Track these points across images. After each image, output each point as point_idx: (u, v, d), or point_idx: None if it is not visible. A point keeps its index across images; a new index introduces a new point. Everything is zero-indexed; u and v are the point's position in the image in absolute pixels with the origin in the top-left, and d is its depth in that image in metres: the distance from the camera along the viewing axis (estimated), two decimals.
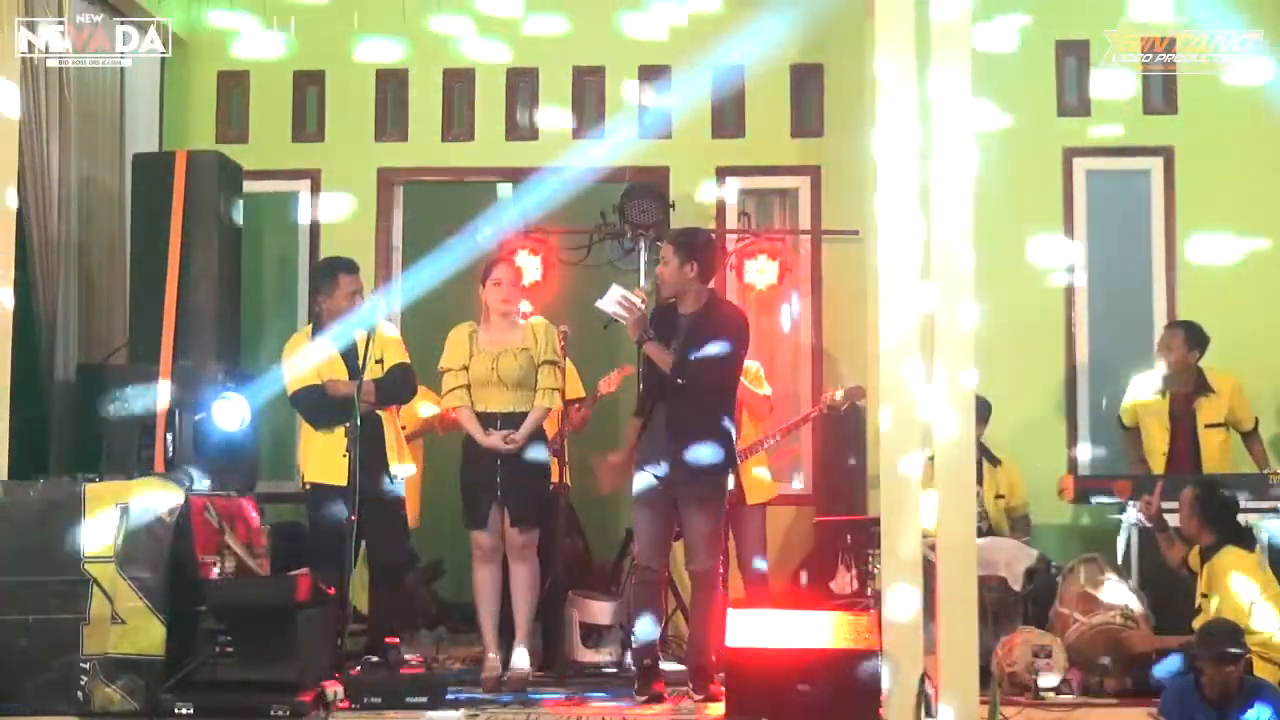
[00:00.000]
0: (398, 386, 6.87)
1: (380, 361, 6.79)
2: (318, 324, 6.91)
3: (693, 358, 6.35)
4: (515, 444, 6.62)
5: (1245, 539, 6.43)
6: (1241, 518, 6.72)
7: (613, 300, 6.43)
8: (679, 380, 6.35)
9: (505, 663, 6.71)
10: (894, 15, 5.89)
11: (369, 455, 6.64)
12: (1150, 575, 6.90)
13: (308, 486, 6.83)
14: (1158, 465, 7.59)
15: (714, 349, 6.40)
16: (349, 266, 6.95)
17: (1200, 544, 6.41)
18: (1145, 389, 7.75)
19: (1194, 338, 7.58)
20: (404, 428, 7.17)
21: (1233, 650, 5.44)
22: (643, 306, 6.43)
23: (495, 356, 6.71)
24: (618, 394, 7.63)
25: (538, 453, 6.80)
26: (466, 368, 6.73)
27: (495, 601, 6.73)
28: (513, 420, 6.68)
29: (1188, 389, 7.63)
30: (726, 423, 6.52)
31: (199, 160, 7.37)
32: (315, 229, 8.68)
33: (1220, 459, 7.58)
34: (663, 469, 6.39)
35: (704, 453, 6.38)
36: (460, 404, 6.74)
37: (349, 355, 6.77)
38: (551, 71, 8.68)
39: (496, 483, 6.61)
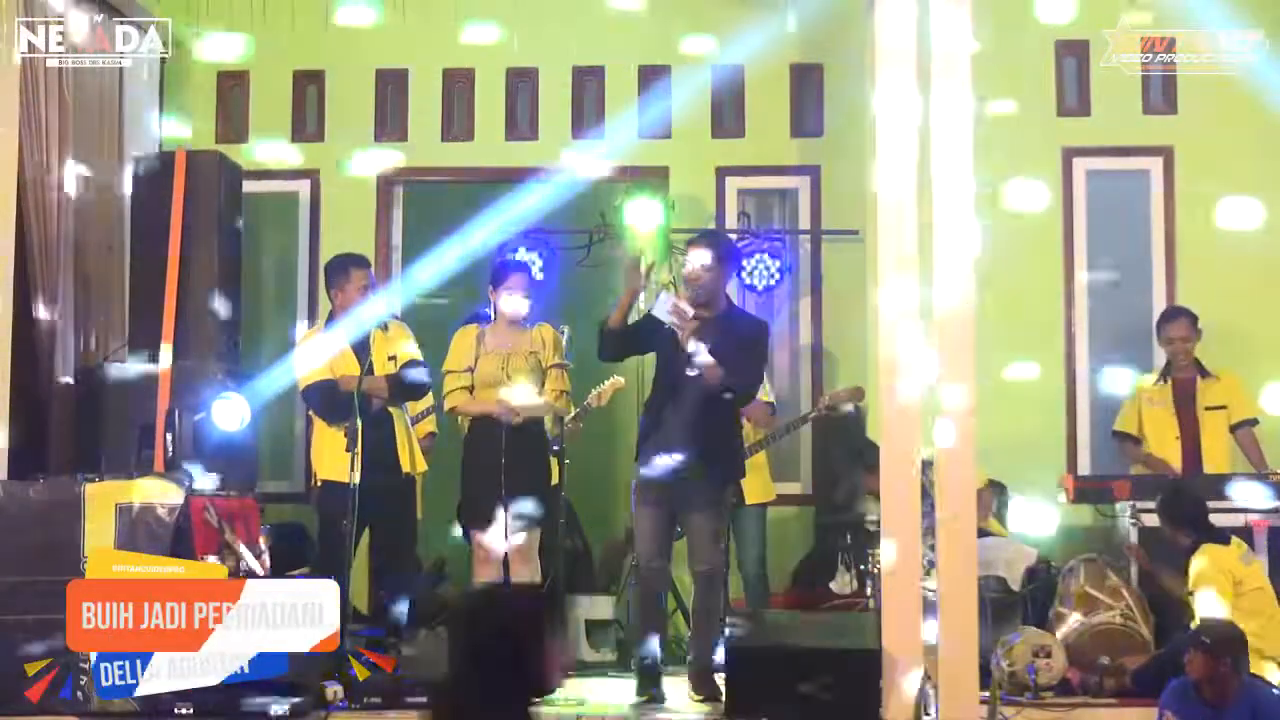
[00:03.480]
0: (411, 383, 6.90)
1: (393, 358, 6.84)
2: (330, 319, 6.96)
3: (726, 364, 6.30)
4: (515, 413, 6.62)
5: (1220, 535, 6.49)
6: (1243, 518, 6.78)
7: (664, 310, 6.36)
8: (725, 393, 6.31)
9: None
10: (893, 16, 5.89)
11: (379, 452, 6.66)
12: (1150, 575, 6.91)
13: (319, 484, 6.87)
14: (1173, 453, 7.61)
15: (745, 355, 6.39)
16: (360, 261, 7.05)
17: (1180, 547, 6.46)
18: (1146, 383, 7.78)
19: (1193, 321, 7.67)
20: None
21: (1208, 641, 5.44)
22: (693, 316, 6.37)
23: (505, 358, 6.73)
24: (608, 406, 7.65)
25: (541, 453, 6.80)
26: (471, 369, 6.74)
27: None
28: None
29: (1190, 374, 7.68)
30: (736, 426, 6.53)
31: (199, 160, 7.37)
32: (315, 229, 8.68)
33: (1220, 442, 7.61)
34: (670, 468, 6.38)
35: (715, 455, 6.37)
36: (460, 402, 6.75)
37: (360, 350, 6.80)
38: (551, 71, 8.68)
39: (500, 483, 6.61)
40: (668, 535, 6.51)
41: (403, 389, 6.90)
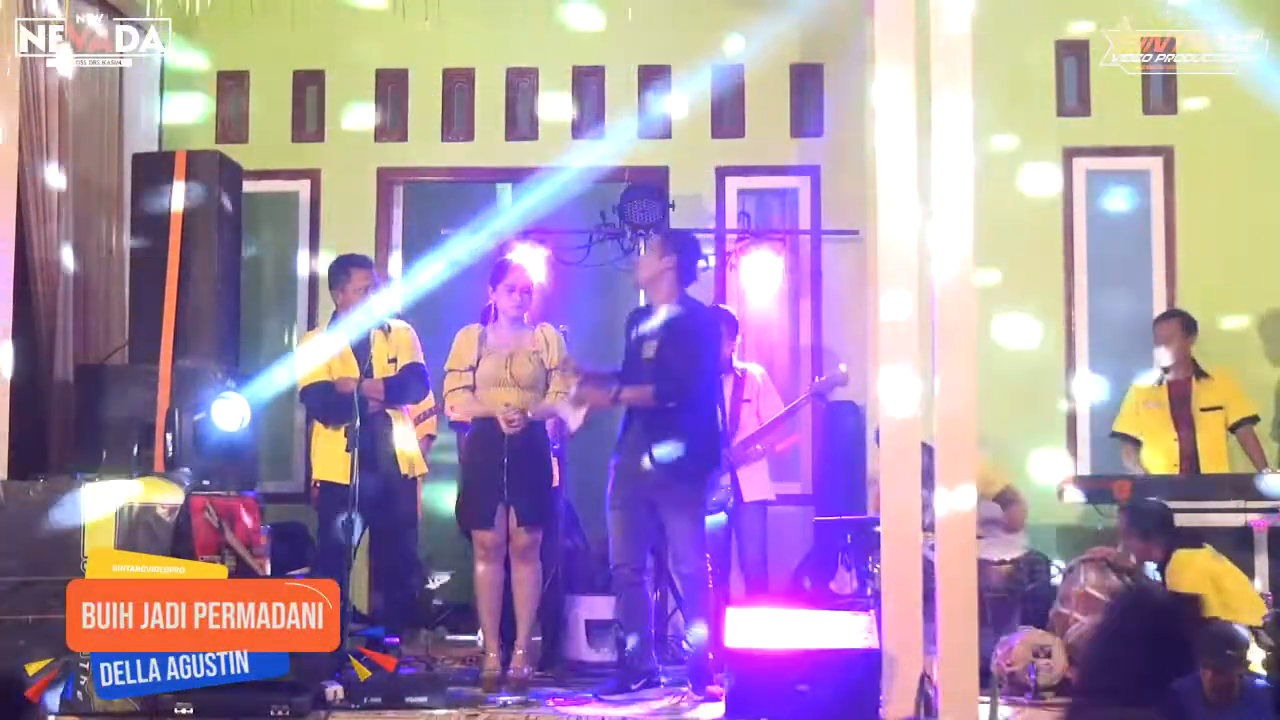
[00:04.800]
0: (409, 385, 6.92)
1: (394, 360, 6.85)
2: (333, 320, 6.97)
3: (663, 364, 6.36)
4: (519, 422, 6.63)
5: (1189, 539, 6.52)
6: (1243, 518, 6.79)
7: (573, 418, 6.54)
8: (669, 404, 6.34)
9: (505, 662, 6.71)
10: (894, 15, 5.89)
11: (378, 454, 6.66)
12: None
13: (317, 485, 6.87)
14: (1170, 455, 7.61)
15: (685, 351, 6.40)
16: (362, 261, 7.07)
17: (1154, 560, 6.49)
18: (1143, 385, 7.79)
19: (1188, 324, 7.70)
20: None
21: (1233, 653, 5.43)
22: (583, 395, 6.50)
23: (508, 357, 6.71)
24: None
25: (542, 453, 6.80)
26: (473, 369, 6.73)
27: (497, 600, 6.72)
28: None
29: (1185, 375, 7.69)
30: (707, 422, 6.51)
31: (199, 160, 7.37)
32: (315, 229, 8.69)
33: (1217, 442, 7.63)
34: (640, 470, 6.39)
35: (681, 454, 6.36)
36: (460, 402, 6.76)
37: (361, 352, 6.81)
38: (551, 71, 8.68)
39: (503, 483, 6.61)
40: (641, 537, 6.53)
41: (399, 392, 6.90)
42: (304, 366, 6.86)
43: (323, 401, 6.81)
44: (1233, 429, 7.67)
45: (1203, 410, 7.66)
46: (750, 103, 8.63)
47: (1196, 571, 6.34)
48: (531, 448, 6.69)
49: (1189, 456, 7.60)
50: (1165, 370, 7.75)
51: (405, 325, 7.13)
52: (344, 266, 7.02)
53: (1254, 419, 7.72)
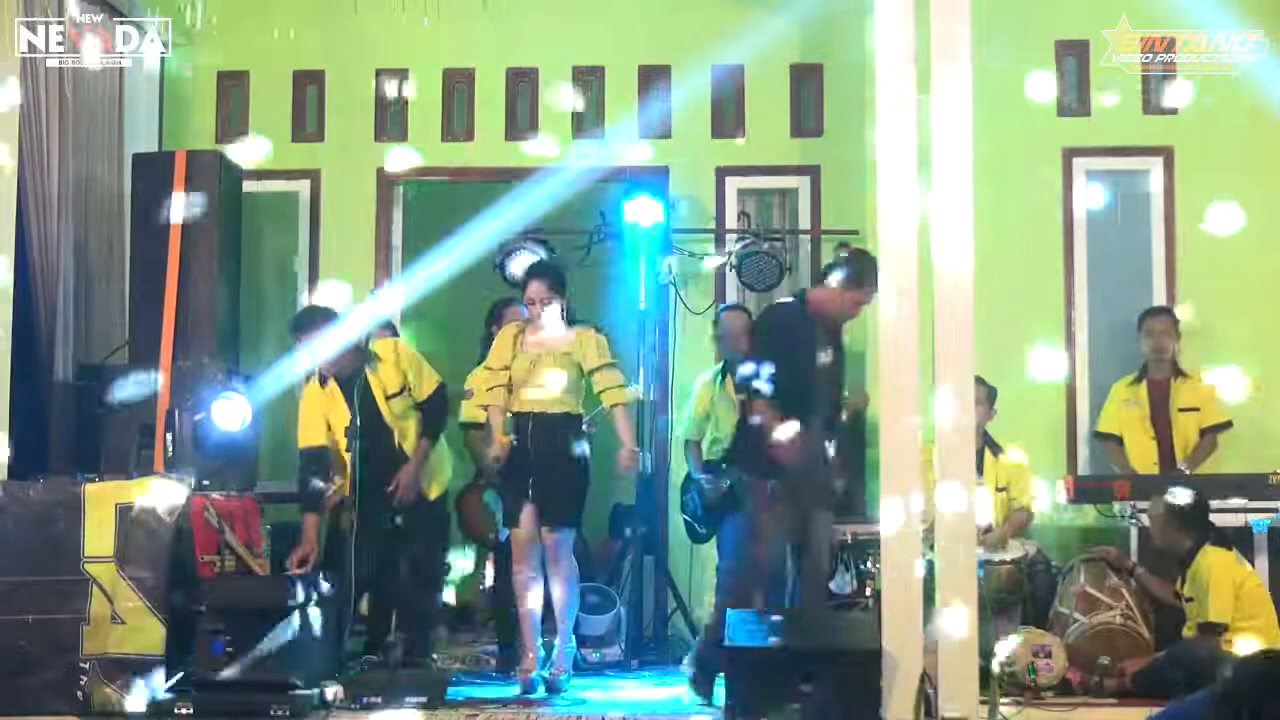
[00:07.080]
0: (442, 420, 6.96)
1: (401, 392, 6.78)
2: (312, 371, 6.88)
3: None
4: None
5: (1221, 537, 6.48)
6: (1240, 517, 6.78)
7: None
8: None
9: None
10: (894, 15, 5.89)
11: (384, 468, 6.70)
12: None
13: (301, 451, 6.81)
14: (1149, 453, 7.63)
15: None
16: (303, 325, 6.80)
17: (1178, 550, 6.45)
18: (1123, 384, 7.84)
19: (1176, 320, 7.75)
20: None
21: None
22: None
23: (536, 358, 6.70)
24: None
25: (569, 452, 6.71)
26: (508, 368, 6.72)
27: (534, 600, 6.70)
28: (544, 421, 6.67)
29: (1165, 375, 7.73)
30: None
31: (199, 160, 7.37)
32: (315, 229, 8.69)
33: (1193, 443, 7.64)
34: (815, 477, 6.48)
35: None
36: (494, 402, 6.74)
37: (363, 394, 6.74)
38: (551, 71, 8.68)
39: (529, 482, 6.62)
40: None
41: (435, 426, 6.92)
42: (304, 423, 6.81)
43: (317, 466, 6.75)
44: (1205, 431, 7.66)
45: (1180, 410, 7.68)
46: (750, 103, 8.64)
47: (1223, 572, 6.31)
48: (561, 447, 6.67)
49: (1166, 455, 7.61)
50: (1144, 369, 7.76)
51: (393, 342, 7.05)
52: (298, 326, 6.82)
53: (1228, 424, 7.72)
